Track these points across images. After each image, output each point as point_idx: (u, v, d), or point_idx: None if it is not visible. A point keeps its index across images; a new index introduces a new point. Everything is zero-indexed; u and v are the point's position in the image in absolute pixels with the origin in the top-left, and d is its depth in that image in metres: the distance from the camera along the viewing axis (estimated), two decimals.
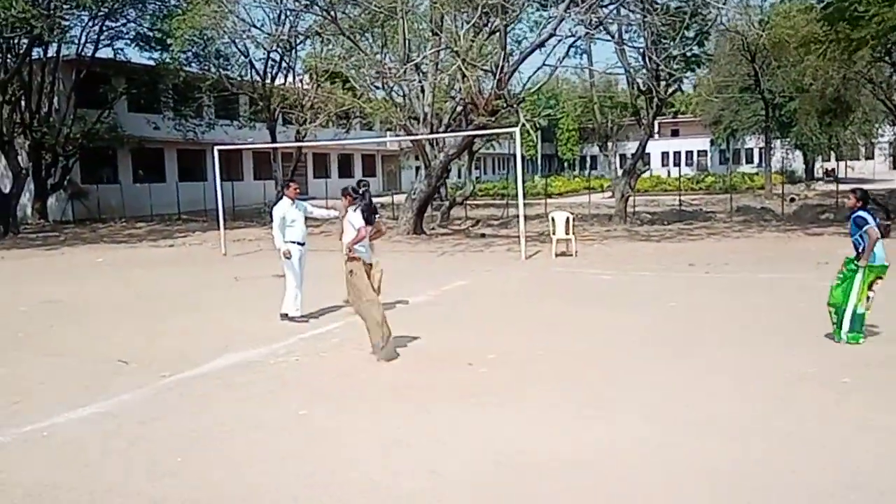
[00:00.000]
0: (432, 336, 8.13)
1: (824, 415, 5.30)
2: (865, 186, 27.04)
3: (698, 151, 70.35)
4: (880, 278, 7.23)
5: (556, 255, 15.02)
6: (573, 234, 15.56)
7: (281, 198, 9.44)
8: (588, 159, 72.26)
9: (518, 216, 24.03)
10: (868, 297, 7.17)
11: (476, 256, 15.92)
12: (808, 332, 7.81)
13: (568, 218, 15.44)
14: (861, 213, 7.22)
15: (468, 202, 27.80)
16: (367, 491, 4.24)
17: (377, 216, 8.84)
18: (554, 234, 15.41)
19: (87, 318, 9.83)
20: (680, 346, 7.43)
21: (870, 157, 62.60)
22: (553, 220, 15.56)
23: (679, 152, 70.17)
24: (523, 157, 65.16)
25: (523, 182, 15.94)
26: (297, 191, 9.52)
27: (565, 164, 67.72)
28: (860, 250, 7.14)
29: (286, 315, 9.09)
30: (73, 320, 9.74)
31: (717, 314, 9.00)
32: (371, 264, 7.67)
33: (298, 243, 9.20)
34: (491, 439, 4.98)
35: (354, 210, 7.70)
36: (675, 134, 71.99)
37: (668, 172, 56.73)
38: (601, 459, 4.58)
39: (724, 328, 8.19)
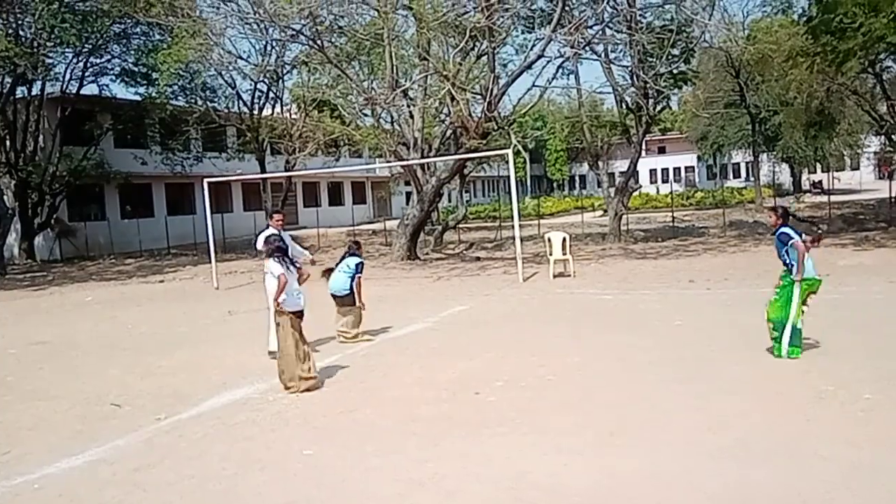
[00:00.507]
0: (435, 365, 7.89)
1: (851, 435, 5.08)
2: (853, 197, 27.32)
3: (686, 167, 70.74)
4: (813, 293, 7.34)
5: (554, 276, 14.84)
6: (570, 254, 15.39)
7: (266, 227, 9.11)
8: (577, 179, 72.58)
9: (512, 238, 23.96)
10: (802, 311, 7.25)
11: (473, 280, 15.72)
12: (820, 347, 7.64)
13: (564, 238, 15.29)
14: (784, 229, 7.38)
15: (461, 226, 27.66)
16: None
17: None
18: (551, 254, 15.24)
19: (77, 360, 9.53)
20: (692, 366, 7.22)
21: (856, 167, 63.12)
22: (549, 240, 15.41)
23: (667, 169, 70.59)
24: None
25: (518, 205, 15.75)
26: (281, 222, 9.21)
27: (554, 185, 67.87)
28: (788, 266, 7.27)
29: (274, 352, 8.59)
30: (63, 362, 9.44)
31: (726, 332, 8.81)
32: (302, 311, 7.34)
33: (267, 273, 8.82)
34: (507, 472, 4.73)
35: (270, 258, 7.41)
36: (661, 151, 72.41)
37: (657, 189, 56.99)
38: (633, 491, 4.34)
39: (735, 346, 7.99)
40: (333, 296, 9.47)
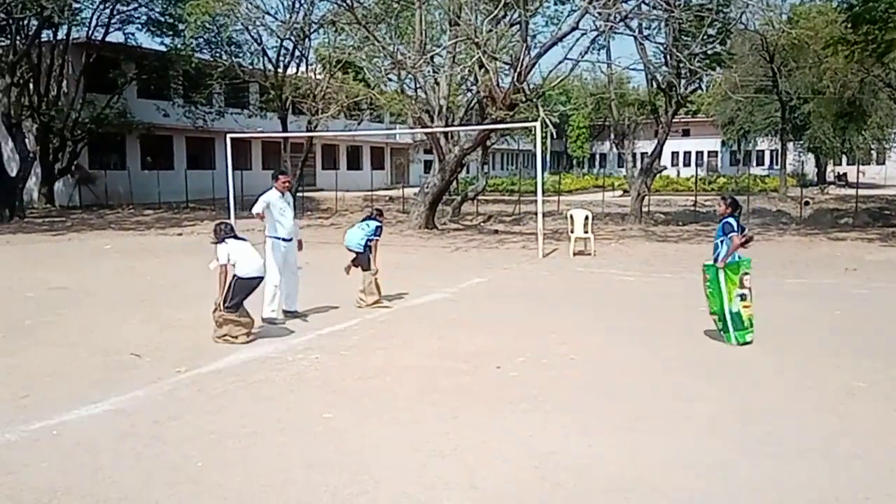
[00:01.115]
0: (455, 336, 7.80)
1: (886, 435, 4.95)
2: (879, 192, 26.79)
3: (709, 152, 69.83)
4: (747, 273, 7.40)
5: (574, 254, 14.68)
6: (592, 232, 15.20)
7: (269, 189, 8.75)
8: (597, 157, 71.88)
9: (530, 213, 23.75)
10: (744, 296, 7.32)
11: (491, 253, 15.58)
12: (851, 343, 7.49)
13: (587, 216, 15.09)
14: (730, 219, 7.48)
15: (478, 198, 27.45)
16: None
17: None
18: (572, 232, 15.07)
19: (96, 307, 9.52)
20: (720, 355, 7.08)
21: (882, 162, 62.07)
22: (571, 218, 15.22)
23: (689, 152, 69.70)
24: (532, 154, 64.45)
25: (542, 179, 15.54)
26: (287, 184, 8.94)
27: (574, 162, 67.28)
28: (716, 255, 7.44)
29: (268, 319, 8.41)
30: (81, 309, 9.43)
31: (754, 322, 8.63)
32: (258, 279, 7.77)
33: (284, 239, 8.67)
34: (532, 451, 4.64)
35: (220, 244, 7.55)
36: (685, 134, 71.40)
37: (678, 172, 56.29)
38: (663, 480, 4.23)
39: (764, 337, 7.83)
40: (348, 248, 9.57)
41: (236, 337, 7.47)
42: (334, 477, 4.25)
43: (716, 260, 7.43)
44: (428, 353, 7.10)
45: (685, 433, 4.97)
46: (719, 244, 7.46)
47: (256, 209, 8.61)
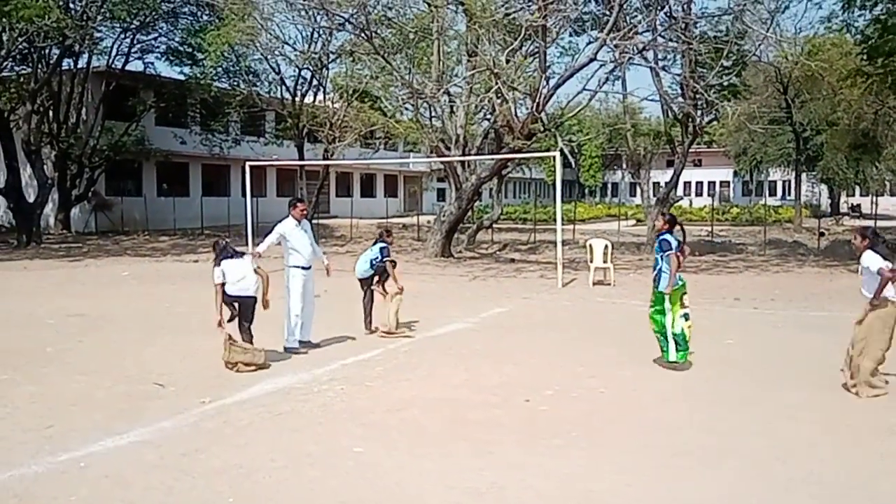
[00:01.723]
0: (480, 368, 7.70)
1: None
2: (892, 224, 26.35)
3: (721, 182, 69.77)
4: (685, 293, 7.68)
5: (593, 284, 14.56)
6: (611, 262, 15.10)
7: (286, 217, 8.75)
8: (609, 186, 71.90)
9: (546, 241, 23.70)
10: (687, 316, 7.54)
11: (509, 282, 15.50)
12: (892, 382, 7.31)
13: (606, 246, 15.00)
14: (666, 235, 7.58)
15: (493, 226, 27.42)
16: None
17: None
18: (591, 261, 14.97)
19: (116, 334, 9.48)
20: (750, 389, 6.94)
21: (894, 193, 61.82)
22: (591, 247, 15.13)
23: (701, 182, 69.66)
24: (545, 183, 64.43)
25: (561, 209, 15.50)
26: (304, 211, 8.90)
27: (586, 191, 67.33)
28: (657, 273, 7.54)
29: (291, 349, 8.42)
30: (101, 336, 9.39)
31: (780, 355, 8.52)
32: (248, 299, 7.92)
33: (303, 268, 8.61)
34: (571, 490, 4.52)
35: (217, 266, 7.70)
36: (697, 164, 71.41)
37: (690, 202, 56.17)
38: None
39: (792, 371, 7.70)
40: (358, 279, 9.68)
41: (248, 365, 7.40)
42: None
43: (658, 278, 7.55)
44: (455, 385, 7.00)
45: (725, 470, 4.84)
46: (659, 259, 7.55)
47: (261, 248, 8.64)
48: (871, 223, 32.84)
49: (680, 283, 7.55)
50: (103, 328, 9.94)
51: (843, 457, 5.14)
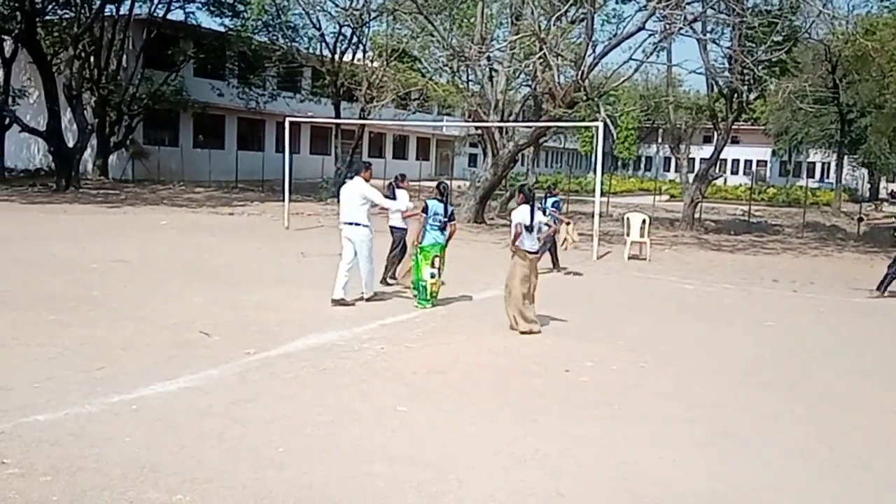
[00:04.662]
0: (519, 336, 7.70)
1: None
2: None
3: (758, 161, 68.42)
4: (437, 256, 8.65)
5: (629, 258, 14.45)
6: (648, 238, 14.95)
7: (352, 177, 9.21)
8: (643, 160, 70.90)
9: (582, 213, 23.50)
10: (433, 275, 8.62)
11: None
12: None
13: (644, 220, 14.85)
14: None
15: None
16: None
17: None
18: (628, 235, 14.84)
19: (159, 282, 9.64)
20: (793, 372, 6.88)
21: None
22: (628, 221, 14.98)
23: (738, 160, 68.37)
24: (578, 153, 63.61)
25: (601, 180, 15.32)
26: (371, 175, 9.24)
27: (620, 164, 66.51)
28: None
29: (338, 300, 8.65)
30: (145, 282, 9.55)
31: (823, 339, 8.41)
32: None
33: (366, 226, 8.85)
34: (614, 461, 4.54)
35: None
36: (735, 141, 70.01)
37: (725, 181, 55.20)
38: (748, 499, 4.10)
39: (836, 356, 7.62)
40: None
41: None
42: (418, 473, 4.20)
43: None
44: (495, 352, 7.03)
45: (771, 452, 4.81)
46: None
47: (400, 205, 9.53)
48: None
49: (434, 244, 8.62)
50: (146, 275, 10.10)
51: (886, 443, 5.09)
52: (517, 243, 7.85)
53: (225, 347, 6.60)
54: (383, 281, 10.18)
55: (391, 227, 10.30)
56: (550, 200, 12.30)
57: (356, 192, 8.82)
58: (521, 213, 7.86)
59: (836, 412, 5.76)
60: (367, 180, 8.97)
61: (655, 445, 4.85)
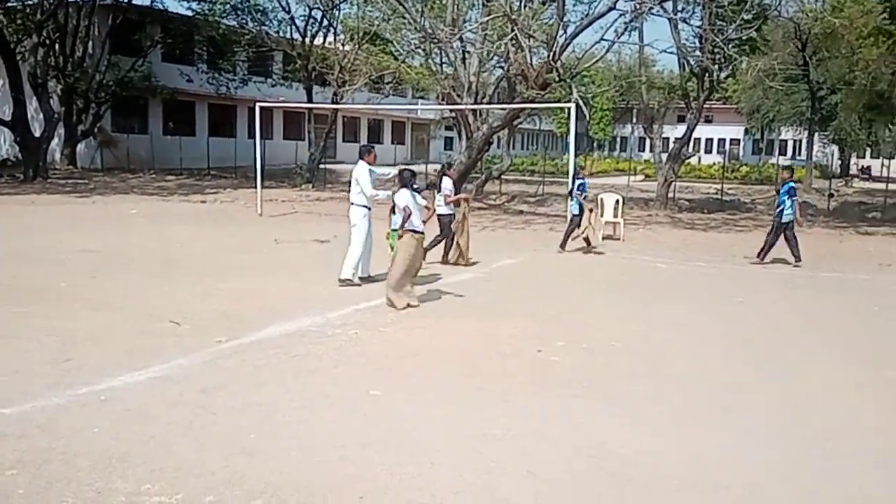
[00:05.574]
0: (492, 318, 7.73)
1: None
2: None
3: (731, 139, 69.02)
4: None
5: (603, 238, 14.50)
6: (622, 218, 15.03)
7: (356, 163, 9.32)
8: (618, 140, 71.17)
9: (557, 194, 23.56)
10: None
11: (518, 234, 15.48)
12: (892, 339, 7.37)
13: (617, 200, 14.93)
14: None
15: (501, 177, 27.24)
16: (463, 492, 3.85)
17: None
18: (601, 215, 14.89)
19: (128, 272, 9.51)
20: (762, 347, 6.98)
21: None
22: (601, 201, 15.05)
23: (711, 139, 68.92)
24: (554, 135, 63.69)
25: (575, 161, 15.35)
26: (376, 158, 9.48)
27: (595, 144, 66.71)
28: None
29: (346, 280, 8.92)
30: (114, 272, 9.43)
31: (791, 315, 8.53)
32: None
33: (367, 207, 9.09)
34: (585, 440, 4.58)
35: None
36: (708, 120, 70.51)
37: (699, 159, 55.62)
38: (724, 476, 4.14)
39: (804, 331, 7.74)
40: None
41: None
42: (390, 456, 4.20)
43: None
44: (467, 334, 7.04)
45: (739, 427, 4.89)
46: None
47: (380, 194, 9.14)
48: (871, 185, 32.56)
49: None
50: (116, 265, 9.97)
51: (855, 419, 5.18)
52: (406, 226, 8.07)
53: (195, 336, 6.54)
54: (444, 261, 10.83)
55: (438, 216, 10.58)
56: (577, 182, 12.66)
57: (354, 174, 9.13)
58: (405, 197, 8.12)
59: (805, 386, 5.85)
60: (370, 164, 9.11)
61: (627, 423, 4.90)
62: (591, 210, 12.57)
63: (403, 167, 8.79)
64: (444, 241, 10.98)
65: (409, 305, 7.90)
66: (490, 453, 4.33)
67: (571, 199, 12.51)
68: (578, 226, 12.46)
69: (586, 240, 12.49)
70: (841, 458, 4.44)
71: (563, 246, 12.63)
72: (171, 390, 5.16)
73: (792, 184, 12.20)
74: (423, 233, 8.25)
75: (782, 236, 11.89)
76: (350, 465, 4.08)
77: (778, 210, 11.93)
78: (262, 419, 4.70)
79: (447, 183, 11.07)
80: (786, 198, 11.80)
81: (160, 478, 3.87)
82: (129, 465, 4.00)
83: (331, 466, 4.06)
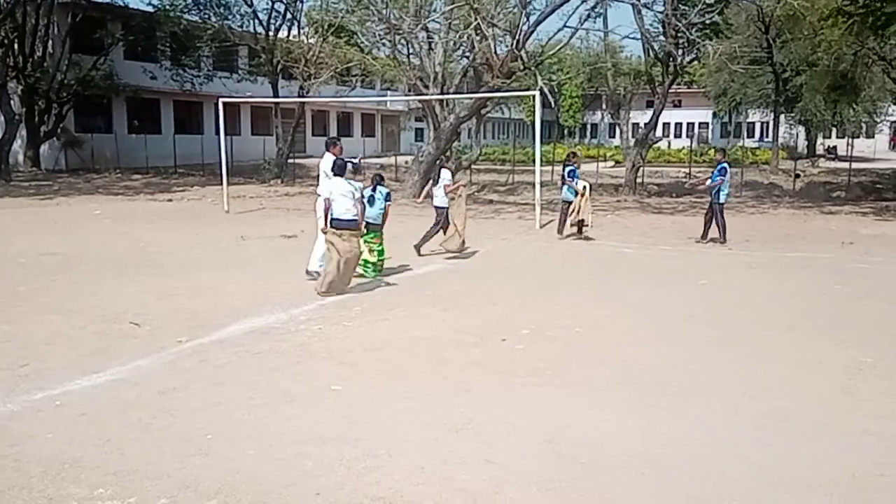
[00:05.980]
0: (458, 308, 7.74)
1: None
2: (866, 165, 26.72)
3: (700, 123, 69.67)
4: (367, 242, 8.99)
5: (571, 225, 14.56)
6: (590, 204, 15.05)
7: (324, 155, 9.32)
8: (589, 127, 71.49)
9: (527, 182, 23.61)
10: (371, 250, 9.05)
11: (488, 224, 15.48)
12: (853, 317, 7.50)
13: (585, 187, 14.93)
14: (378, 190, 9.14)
15: (472, 167, 27.22)
16: (421, 482, 3.85)
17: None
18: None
19: (90, 274, 9.36)
20: (723, 328, 7.06)
21: (871, 135, 62.15)
22: None
23: (680, 123, 69.51)
24: (524, 123, 63.81)
25: (541, 149, 15.40)
26: (342, 150, 9.40)
27: (566, 132, 66.94)
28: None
29: (314, 272, 8.85)
30: (75, 275, 9.28)
31: (754, 295, 8.64)
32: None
33: (325, 198, 8.89)
34: (546, 426, 4.60)
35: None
36: (677, 105, 71.04)
37: (669, 144, 56.11)
38: (679, 456, 4.19)
39: (765, 310, 7.84)
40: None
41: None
42: (348, 451, 4.19)
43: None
44: (433, 325, 7.04)
45: (699, 408, 4.94)
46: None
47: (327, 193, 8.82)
48: (837, 165, 33.05)
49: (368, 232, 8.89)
50: (77, 267, 9.81)
51: (813, 395, 5.26)
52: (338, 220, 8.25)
53: (156, 337, 6.46)
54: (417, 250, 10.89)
55: (436, 207, 11.11)
56: (567, 169, 12.99)
57: (321, 167, 9.19)
58: (339, 186, 8.32)
59: (765, 365, 5.93)
60: (336, 156, 8.99)
61: (588, 409, 4.93)
62: (582, 195, 12.70)
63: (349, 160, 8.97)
64: (441, 230, 11.13)
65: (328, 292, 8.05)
66: (449, 443, 4.33)
67: (563, 187, 12.93)
68: (572, 213, 12.75)
69: (578, 224, 12.77)
70: (798, 437, 4.50)
71: (559, 232, 13.05)
72: (129, 393, 5.10)
73: (725, 164, 12.72)
74: (358, 228, 8.33)
75: (714, 214, 12.43)
76: (307, 461, 4.05)
77: (715, 192, 12.35)
78: (221, 419, 4.66)
79: (446, 174, 11.26)
80: (719, 177, 12.31)
81: (113, 482, 3.82)
82: (82, 470, 3.94)
83: (288, 463, 4.04)
